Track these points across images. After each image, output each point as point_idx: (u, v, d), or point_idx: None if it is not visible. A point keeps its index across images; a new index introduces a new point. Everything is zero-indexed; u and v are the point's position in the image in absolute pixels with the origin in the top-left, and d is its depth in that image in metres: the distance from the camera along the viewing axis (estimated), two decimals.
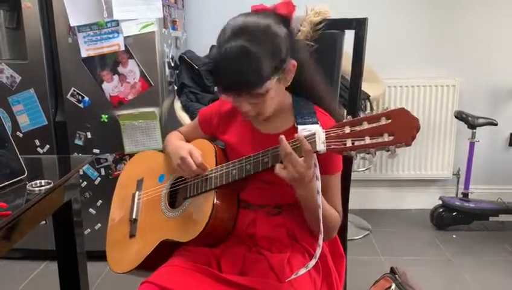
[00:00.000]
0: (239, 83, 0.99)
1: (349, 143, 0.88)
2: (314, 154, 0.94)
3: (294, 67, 1.03)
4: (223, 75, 0.98)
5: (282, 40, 0.99)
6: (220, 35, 1.01)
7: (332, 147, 0.90)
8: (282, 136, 0.94)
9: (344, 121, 0.90)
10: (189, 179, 1.16)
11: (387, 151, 0.85)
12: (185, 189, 1.17)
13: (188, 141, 1.27)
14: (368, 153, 0.87)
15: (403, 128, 0.83)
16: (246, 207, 1.14)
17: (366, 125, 0.87)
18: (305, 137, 0.93)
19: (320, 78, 1.12)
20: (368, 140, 0.86)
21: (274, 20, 1.00)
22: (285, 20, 1.03)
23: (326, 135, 0.92)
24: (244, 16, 1.01)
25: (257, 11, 1.04)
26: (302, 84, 1.08)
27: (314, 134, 0.93)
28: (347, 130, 0.89)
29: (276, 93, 1.03)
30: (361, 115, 2.51)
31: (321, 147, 0.91)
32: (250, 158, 1.04)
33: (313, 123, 1.01)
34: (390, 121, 0.84)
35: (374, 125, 0.86)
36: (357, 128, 0.87)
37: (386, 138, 0.84)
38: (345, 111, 1.36)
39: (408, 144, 0.83)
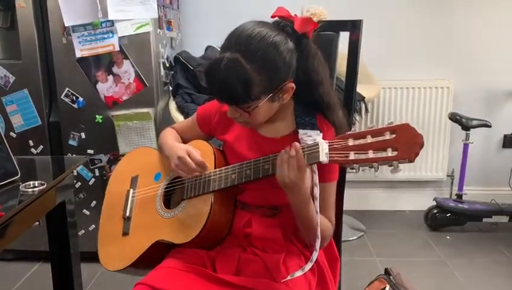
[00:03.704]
0: (225, 96, 1.00)
1: (352, 156, 0.88)
2: (314, 163, 0.94)
3: (292, 90, 1.02)
4: (212, 82, 0.98)
5: (285, 61, 0.97)
6: (226, 38, 0.99)
7: (335, 159, 0.90)
8: (296, 144, 0.94)
9: (348, 133, 0.90)
10: (187, 180, 1.16)
11: (390, 166, 0.85)
12: (182, 190, 1.17)
13: (183, 138, 1.26)
14: (371, 167, 0.87)
15: (407, 144, 0.83)
16: (242, 208, 1.14)
17: (370, 139, 0.86)
18: (309, 147, 0.94)
19: (334, 92, 1.11)
20: (371, 154, 0.86)
21: (284, 36, 0.99)
22: (299, 36, 1.01)
23: (329, 146, 0.91)
24: (254, 26, 0.98)
25: (275, 17, 1.03)
26: (317, 100, 1.07)
27: (318, 144, 0.93)
28: (351, 142, 0.88)
29: (268, 109, 1.02)
30: (356, 116, 2.52)
31: (324, 158, 0.91)
32: (251, 163, 1.04)
33: (313, 129, 1.01)
34: (394, 136, 0.84)
35: (378, 139, 0.86)
36: (361, 141, 0.87)
37: (390, 153, 0.84)
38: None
39: (411, 161, 0.83)
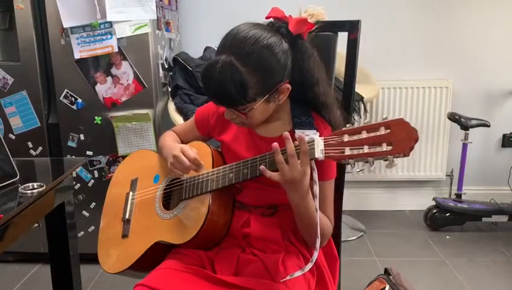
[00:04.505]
0: (221, 99, 1.00)
1: (347, 151, 0.88)
2: (313, 160, 0.94)
3: (288, 90, 1.02)
4: (208, 85, 0.98)
5: (280, 62, 0.98)
6: (221, 40, 1.00)
7: (331, 154, 0.91)
8: (287, 134, 0.94)
9: (343, 129, 0.90)
10: (185, 180, 1.16)
11: (386, 161, 0.85)
12: (180, 191, 1.17)
13: (182, 141, 1.27)
14: (366, 162, 0.87)
15: (401, 138, 0.84)
16: (240, 207, 1.14)
17: (364, 134, 0.87)
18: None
19: (331, 91, 1.12)
20: (366, 149, 0.86)
21: (278, 38, 0.99)
22: (294, 37, 1.01)
23: (325, 142, 0.92)
24: (249, 27, 0.99)
25: (270, 18, 1.03)
26: (313, 100, 1.07)
27: (313, 141, 0.93)
28: (346, 138, 0.89)
29: (264, 110, 1.03)
30: (355, 116, 2.53)
31: (319, 154, 0.92)
32: (248, 162, 1.04)
33: (310, 129, 1.02)
34: (389, 131, 0.85)
35: (373, 134, 0.86)
36: (356, 137, 0.88)
37: (385, 147, 0.85)
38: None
39: (406, 155, 0.84)
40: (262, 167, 0.98)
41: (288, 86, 1.02)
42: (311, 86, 1.05)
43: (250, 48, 0.95)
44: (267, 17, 1.04)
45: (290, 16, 1.04)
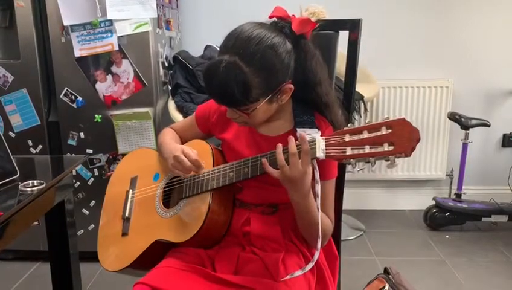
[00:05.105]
0: (223, 98, 1.00)
1: (348, 151, 0.88)
2: (314, 159, 0.94)
3: (290, 90, 1.02)
4: (210, 85, 0.98)
5: (283, 62, 0.97)
6: (224, 40, 0.99)
7: (332, 154, 0.90)
8: (292, 137, 0.94)
9: (345, 129, 0.90)
10: (185, 179, 1.16)
11: (387, 161, 0.85)
12: (180, 189, 1.17)
13: (182, 138, 1.27)
14: (367, 162, 0.87)
15: (403, 138, 0.84)
16: (240, 206, 1.14)
17: (366, 134, 0.87)
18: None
19: (332, 91, 1.12)
20: (367, 149, 0.86)
21: (282, 38, 0.99)
22: (297, 37, 1.01)
23: (326, 142, 0.92)
24: (253, 27, 0.98)
25: (273, 17, 1.03)
26: (315, 100, 1.07)
27: (315, 140, 0.93)
28: (347, 138, 0.89)
29: (266, 110, 1.03)
30: (355, 116, 2.52)
31: (320, 154, 0.91)
32: (249, 161, 1.04)
33: (312, 128, 1.02)
34: (390, 131, 0.85)
35: (374, 134, 0.86)
36: (357, 136, 0.88)
37: (386, 147, 0.84)
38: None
39: (407, 155, 0.84)
40: (264, 159, 0.97)
41: (291, 86, 1.02)
42: (314, 86, 1.05)
43: (254, 48, 0.95)
44: (270, 17, 1.04)
45: (293, 15, 1.03)
